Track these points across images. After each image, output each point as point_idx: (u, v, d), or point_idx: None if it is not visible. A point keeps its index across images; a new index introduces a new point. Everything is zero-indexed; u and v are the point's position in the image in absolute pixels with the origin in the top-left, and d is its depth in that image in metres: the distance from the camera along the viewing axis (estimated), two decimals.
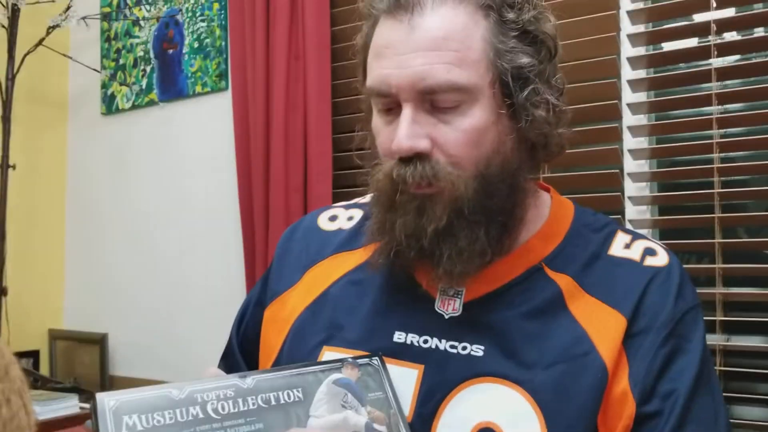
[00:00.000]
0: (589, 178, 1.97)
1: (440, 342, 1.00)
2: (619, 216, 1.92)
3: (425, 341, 1.00)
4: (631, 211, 1.94)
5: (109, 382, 2.90)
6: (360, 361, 0.95)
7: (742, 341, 1.82)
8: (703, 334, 0.99)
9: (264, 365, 1.13)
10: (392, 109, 0.98)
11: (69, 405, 2.45)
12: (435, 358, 0.99)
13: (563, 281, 1.01)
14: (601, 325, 0.97)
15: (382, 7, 0.98)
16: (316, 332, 1.07)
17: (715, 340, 1.75)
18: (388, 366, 0.97)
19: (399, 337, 1.02)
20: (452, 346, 0.99)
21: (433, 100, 0.94)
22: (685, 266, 1.04)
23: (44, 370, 3.02)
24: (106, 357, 2.90)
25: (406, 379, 0.98)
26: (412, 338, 1.01)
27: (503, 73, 0.95)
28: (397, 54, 0.94)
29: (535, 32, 0.97)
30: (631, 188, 1.94)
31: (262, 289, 1.20)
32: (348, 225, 1.18)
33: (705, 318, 1.02)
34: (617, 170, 1.91)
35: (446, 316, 1.01)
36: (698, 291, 1.04)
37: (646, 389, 0.93)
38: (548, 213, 1.07)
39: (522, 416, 0.93)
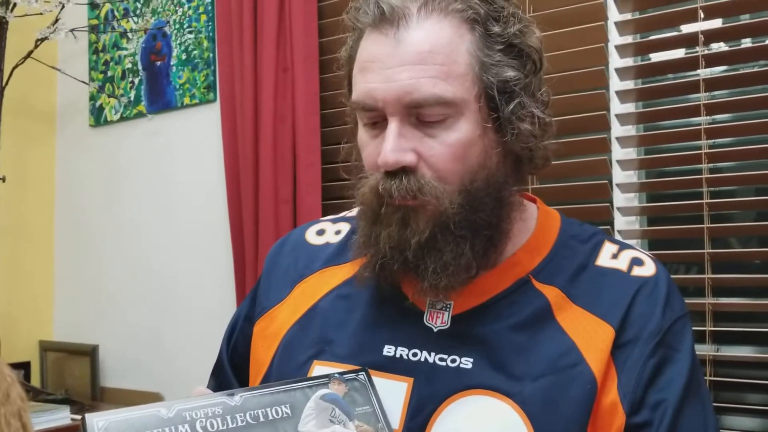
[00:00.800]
0: (577, 188, 1.97)
1: (429, 355, 0.99)
2: (608, 227, 1.92)
3: (414, 354, 1.00)
4: (620, 222, 1.95)
5: (100, 394, 2.89)
6: (346, 376, 0.95)
7: (732, 351, 1.83)
8: (692, 343, 0.99)
9: (254, 381, 1.13)
10: (378, 122, 0.98)
11: (61, 417, 2.46)
12: (424, 371, 0.98)
13: (551, 293, 1.01)
14: (590, 336, 0.97)
15: (367, 20, 0.97)
16: (305, 347, 1.07)
17: (704, 350, 1.76)
18: (378, 379, 0.97)
19: (388, 350, 1.01)
20: (441, 359, 0.99)
21: (419, 114, 0.94)
22: (674, 277, 1.04)
23: (35, 381, 3.01)
24: (97, 368, 2.89)
25: (395, 392, 0.98)
26: (401, 351, 1.01)
27: (489, 86, 0.95)
28: (382, 68, 0.94)
29: (520, 45, 0.97)
30: (619, 199, 1.95)
31: (251, 304, 1.19)
32: (335, 239, 1.18)
33: (694, 328, 1.02)
34: (606, 181, 1.91)
35: (435, 330, 1.01)
36: (687, 301, 1.05)
37: (636, 400, 0.93)
38: (535, 225, 1.07)
39: (512, 428, 0.92)
